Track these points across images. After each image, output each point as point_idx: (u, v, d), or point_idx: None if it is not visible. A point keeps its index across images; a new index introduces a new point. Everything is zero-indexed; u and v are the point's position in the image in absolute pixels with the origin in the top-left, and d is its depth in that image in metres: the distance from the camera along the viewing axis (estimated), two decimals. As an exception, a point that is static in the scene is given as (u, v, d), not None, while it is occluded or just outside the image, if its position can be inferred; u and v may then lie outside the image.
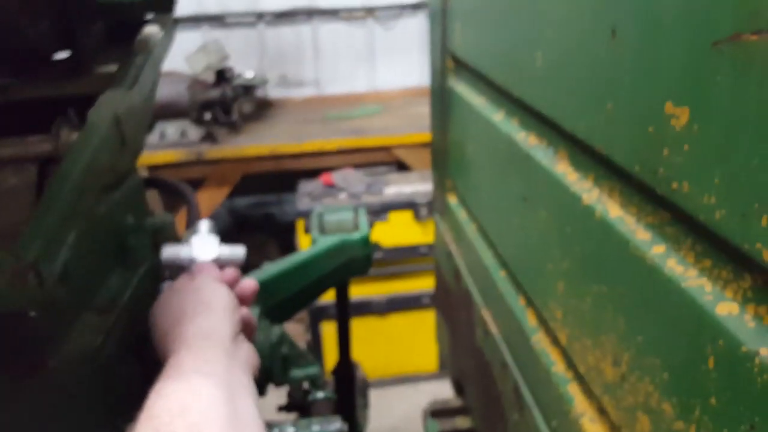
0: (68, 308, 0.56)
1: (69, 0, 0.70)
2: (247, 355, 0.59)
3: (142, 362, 0.62)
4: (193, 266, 0.68)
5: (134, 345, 0.61)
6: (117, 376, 0.60)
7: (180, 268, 0.69)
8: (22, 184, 0.60)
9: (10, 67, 0.73)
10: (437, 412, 1.34)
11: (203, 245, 0.71)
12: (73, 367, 0.55)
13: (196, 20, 3.23)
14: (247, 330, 0.64)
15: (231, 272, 0.67)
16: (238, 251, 0.72)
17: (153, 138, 2.45)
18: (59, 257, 0.49)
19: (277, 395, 0.94)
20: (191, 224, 0.81)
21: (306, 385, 0.95)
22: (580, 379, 0.62)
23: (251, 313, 0.67)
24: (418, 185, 2.33)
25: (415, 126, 2.55)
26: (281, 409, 0.99)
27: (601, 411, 0.57)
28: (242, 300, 0.66)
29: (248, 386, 0.54)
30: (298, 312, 1.03)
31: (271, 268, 0.96)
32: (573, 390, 0.63)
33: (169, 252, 0.69)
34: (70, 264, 0.51)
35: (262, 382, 0.85)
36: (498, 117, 0.89)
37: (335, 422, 0.84)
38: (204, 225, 0.73)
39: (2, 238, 0.54)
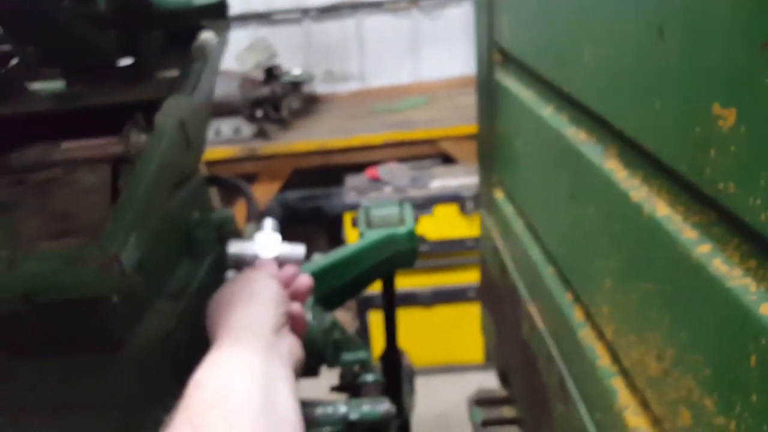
0: (144, 295, 0.61)
1: (132, 10, 0.75)
2: (289, 347, 0.60)
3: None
4: (255, 262, 0.73)
5: (204, 330, 0.66)
6: (189, 359, 0.64)
7: (244, 263, 0.75)
8: (98, 183, 0.65)
9: (80, 75, 0.78)
10: (482, 401, 1.36)
11: (266, 243, 0.76)
12: (147, 349, 0.60)
13: (244, 19, 3.30)
14: (296, 325, 0.66)
15: (289, 269, 0.71)
16: (298, 250, 0.77)
17: (209, 135, 2.54)
18: (137, 249, 0.54)
19: (330, 376, 0.99)
20: (251, 218, 0.87)
21: (356, 368, 1.00)
22: (624, 373, 0.63)
23: (304, 307, 0.70)
24: (463, 179, 2.32)
25: (460, 118, 2.54)
26: (334, 389, 1.04)
27: (644, 404, 0.58)
28: (297, 295, 0.69)
29: (286, 378, 0.53)
30: (347, 301, 1.08)
31: (322, 260, 1.00)
32: (617, 384, 0.64)
33: (235, 248, 0.76)
34: (146, 255, 0.56)
35: (315, 364, 0.90)
36: (547, 112, 0.89)
37: (384, 403, 0.88)
38: (268, 224, 0.79)
39: (85, 230, 0.59)
